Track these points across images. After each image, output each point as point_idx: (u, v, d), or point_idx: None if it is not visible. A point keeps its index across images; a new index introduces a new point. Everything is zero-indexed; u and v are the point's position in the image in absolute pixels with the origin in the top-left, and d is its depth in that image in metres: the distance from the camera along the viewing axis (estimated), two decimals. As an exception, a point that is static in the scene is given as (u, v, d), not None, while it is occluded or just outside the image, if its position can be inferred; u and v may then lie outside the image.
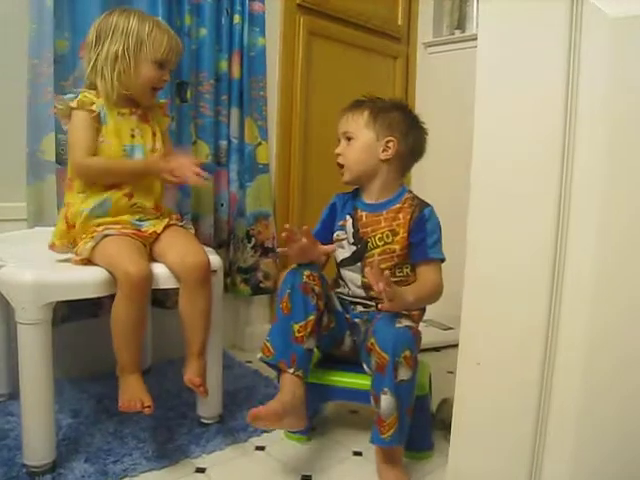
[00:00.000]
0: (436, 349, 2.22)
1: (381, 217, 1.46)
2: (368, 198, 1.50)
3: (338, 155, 1.48)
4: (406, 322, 1.31)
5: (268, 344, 1.36)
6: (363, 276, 1.47)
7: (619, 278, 0.80)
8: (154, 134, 1.50)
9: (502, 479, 0.92)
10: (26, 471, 1.24)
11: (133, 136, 1.45)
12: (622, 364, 0.81)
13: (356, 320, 1.47)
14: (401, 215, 1.45)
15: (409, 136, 1.47)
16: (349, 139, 1.46)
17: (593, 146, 0.79)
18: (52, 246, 1.41)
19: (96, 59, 1.40)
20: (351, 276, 1.49)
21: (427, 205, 1.47)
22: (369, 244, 1.46)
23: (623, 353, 0.81)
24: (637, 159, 0.77)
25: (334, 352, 1.49)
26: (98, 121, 1.40)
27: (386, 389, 1.25)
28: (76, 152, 1.39)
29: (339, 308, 1.48)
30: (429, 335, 2.31)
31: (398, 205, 1.46)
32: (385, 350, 1.25)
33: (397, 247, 1.44)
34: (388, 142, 1.44)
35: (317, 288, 1.36)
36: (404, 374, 1.25)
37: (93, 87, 1.43)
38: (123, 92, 1.41)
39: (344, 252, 1.50)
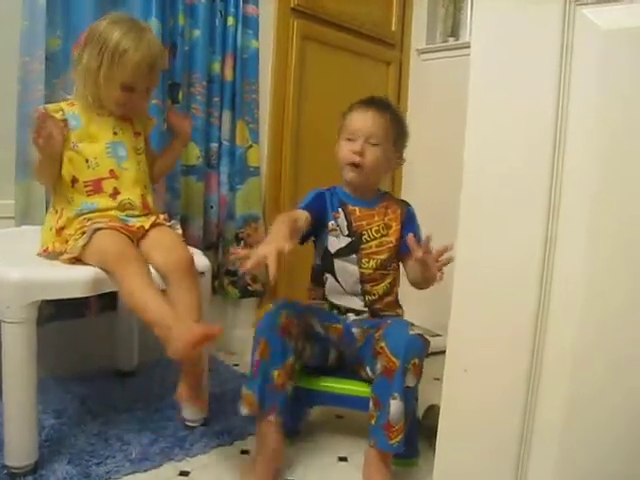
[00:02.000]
0: (423, 355, 2.21)
1: (374, 212, 1.51)
2: (356, 195, 1.52)
3: (357, 153, 1.44)
4: (418, 330, 1.32)
5: (250, 397, 1.32)
6: (360, 267, 1.48)
7: (608, 284, 0.80)
8: (137, 134, 1.51)
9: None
10: (7, 472, 1.23)
11: (116, 133, 1.45)
12: (610, 371, 0.81)
13: (353, 330, 1.47)
14: (390, 210, 1.51)
15: (404, 145, 1.56)
16: (372, 143, 1.45)
17: (583, 152, 0.80)
18: (45, 251, 1.39)
19: (77, 62, 1.41)
20: (347, 267, 1.49)
21: (409, 203, 1.57)
22: (364, 237, 1.49)
23: (611, 359, 0.81)
24: (626, 166, 0.77)
25: (319, 367, 1.49)
26: (64, 127, 1.38)
27: (396, 394, 1.25)
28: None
29: (319, 330, 1.47)
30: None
31: (385, 202, 1.53)
32: (396, 355, 1.26)
33: (392, 239, 1.50)
34: (398, 158, 1.53)
35: (294, 328, 1.35)
36: (410, 380, 1.26)
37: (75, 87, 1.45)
38: (95, 102, 1.42)
39: (339, 242, 1.50)
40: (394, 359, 1.26)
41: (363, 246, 1.48)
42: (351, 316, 1.49)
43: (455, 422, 0.95)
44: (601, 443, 0.83)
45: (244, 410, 1.34)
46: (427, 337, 1.35)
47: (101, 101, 1.42)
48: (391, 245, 1.49)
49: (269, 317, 1.35)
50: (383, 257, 1.48)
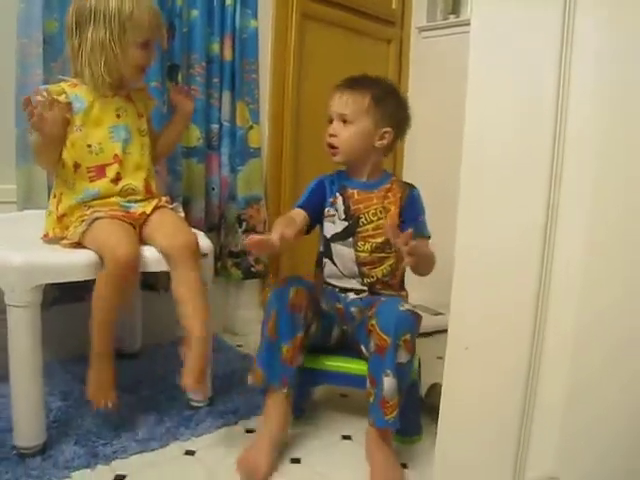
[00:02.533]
0: (426, 334, 2.22)
1: (373, 195, 1.49)
2: (358, 178, 1.51)
3: (331, 136, 1.47)
4: (408, 306, 1.33)
5: (258, 370, 1.36)
6: (356, 250, 1.48)
7: (609, 263, 0.81)
8: (140, 115, 1.50)
9: (488, 462, 0.93)
10: (16, 452, 1.25)
11: (119, 116, 1.44)
12: (611, 353, 0.82)
13: (351, 309, 1.48)
14: (391, 194, 1.48)
15: (401, 125, 1.51)
16: (345, 121, 1.45)
17: (584, 126, 0.80)
18: (46, 236, 1.40)
19: (79, 48, 1.37)
20: (343, 251, 1.49)
21: (414, 186, 1.52)
22: (361, 220, 1.48)
23: (612, 342, 0.81)
24: (627, 139, 0.77)
25: (321, 345, 1.50)
26: (69, 110, 1.37)
27: (388, 371, 1.27)
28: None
29: (325, 307, 1.48)
30: (419, 320, 2.32)
31: (387, 185, 1.50)
32: (387, 332, 1.27)
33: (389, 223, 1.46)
34: (385, 133, 1.46)
35: (304, 303, 1.37)
36: (403, 357, 1.27)
37: (79, 75, 1.41)
38: (113, 77, 1.40)
39: (335, 227, 1.50)
40: (385, 337, 1.27)
41: (359, 229, 1.47)
42: (351, 295, 1.49)
43: (456, 400, 0.96)
44: (603, 425, 0.84)
45: (249, 380, 1.38)
46: (418, 312, 1.37)
47: (119, 74, 1.40)
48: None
49: (279, 292, 1.36)
50: (379, 240, 1.46)
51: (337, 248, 1.50)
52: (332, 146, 1.47)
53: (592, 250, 0.81)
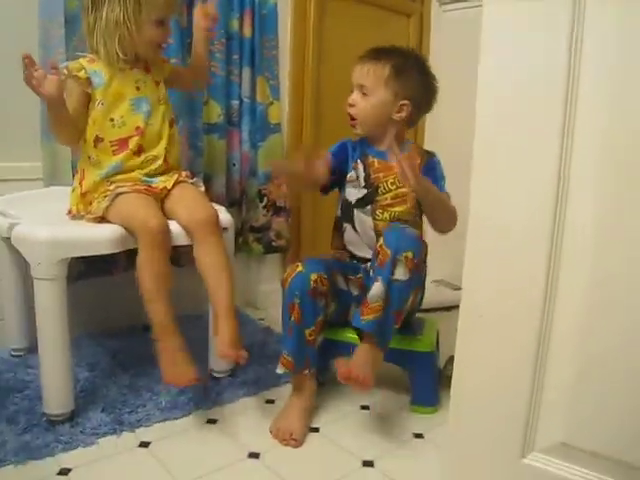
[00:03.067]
0: (446, 309, 2.23)
1: (392, 164, 1.45)
2: (378, 146, 1.52)
3: (350, 106, 1.47)
4: (415, 231, 1.37)
5: (287, 357, 1.38)
6: (374, 218, 1.49)
7: (620, 237, 0.81)
8: (157, 83, 1.51)
9: (500, 430, 0.95)
10: (46, 419, 1.30)
11: (138, 88, 1.45)
12: (621, 329, 0.83)
13: (371, 275, 1.48)
14: (416, 161, 1.45)
15: (423, 99, 1.49)
16: (364, 92, 1.45)
17: (595, 93, 0.80)
18: (70, 212, 1.45)
19: (94, 25, 1.38)
20: (363, 218, 1.51)
21: (434, 154, 1.54)
22: (380, 189, 1.49)
23: (622, 317, 0.82)
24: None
25: (339, 322, 1.52)
26: (89, 85, 1.40)
27: (379, 278, 1.30)
28: None
29: (343, 287, 1.49)
30: (439, 295, 2.33)
31: (407, 153, 1.47)
32: (388, 246, 1.30)
33: (407, 191, 1.47)
34: (403, 105, 1.45)
35: (324, 288, 1.38)
36: (401, 274, 1.29)
37: (95, 51, 1.42)
38: (128, 54, 1.41)
39: (357, 193, 1.52)
40: (386, 250, 1.29)
41: (378, 198, 1.49)
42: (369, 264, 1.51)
43: (468, 369, 0.97)
44: (612, 395, 0.85)
45: (280, 370, 1.40)
46: (424, 240, 1.40)
47: (134, 52, 1.42)
48: (405, 197, 1.48)
49: (300, 279, 1.37)
50: (398, 209, 1.48)
51: (358, 215, 1.52)
52: (351, 117, 1.48)
53: (602, 225, 0.82)
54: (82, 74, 1.39)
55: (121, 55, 1.39)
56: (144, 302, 1.31)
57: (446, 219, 1.44)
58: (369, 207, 1.50)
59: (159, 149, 1.47)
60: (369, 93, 1.45)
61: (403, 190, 1.47)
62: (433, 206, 1.42)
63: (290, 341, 1.38)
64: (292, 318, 1.37)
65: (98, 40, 1.39)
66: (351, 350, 1.34)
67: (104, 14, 1.36)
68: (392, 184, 1.48)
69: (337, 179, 1.53)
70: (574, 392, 0.88)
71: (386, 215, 1.48)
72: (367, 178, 1.51)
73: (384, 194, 1.49)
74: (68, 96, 1.41)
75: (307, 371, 1.40)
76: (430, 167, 1.49)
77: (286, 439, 1.32)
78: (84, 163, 1.45)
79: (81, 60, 1.41)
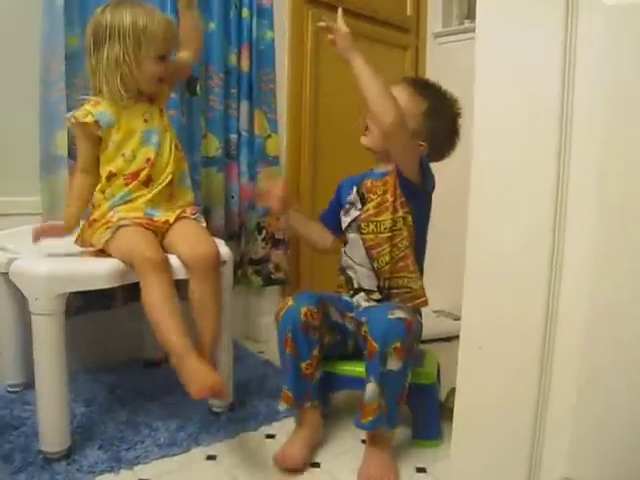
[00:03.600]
0: (446, 339, 2.22)
1: (384, 180, 1.49)
2: (378, 169, 1.53)
3: (370, 118, 1.47)
4: (400, 314, 1.32)
5: (288, 393, 1.39)
6: (361, 233, 1.49)
7: (619, 260, 0.81)
8: (161, 111, 1.51)
9: (503, 463, 0.94)
10: (42, 457, 1.28)
11: (146, 120, 1.45)
12: (619, 353, 0.82)
13: (362, 319, 1.48)
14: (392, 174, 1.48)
15: (439, 149, 1.52)
16: None
17: (590, 123, 0.81)
18: (76, 240, 1.45)
19: (97, 66, 1.40)
20: (352, 237, 1.53)
21: None
22: (367, 200, 1.50)
23: (620, 342, 0.82)
24: (633, 142, 0.78)
25: (337, 354, 1.51)
26: (98, 128, 1.41)
27: (371, 377, 1.29)
28: (76, 168, 1.48)
29: (338, 319, 1.49)
30: (439, 325, 2.32)
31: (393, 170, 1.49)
32: (375, 339, 1.28)
33: (389, 195, 1.46)
34: (420, 145, 1.46)
35: (316, 322, 1.39)
36: (394, 365, 1.28)
37: (99, 91, 1.43)
38: (130, 91, 1.42)
39: (349, 217, 1.54)
40: (374, 343, 1.28)
41: (362, 210, 1.50)
42: (362, 301, 1.51)
43: (471, 400, 0.96)
44: (613, 424, 0.84)
45: (282, 406, 1.41)
46: (412, 318, 1.34)
47: (137, 87, 1.43)
48: (388, 204, 1.45)
49: (291, 314, 1.38)
50: (382, 218, 1.46)
51: (350, 237, 1.53)
52: (367, 126, 1.49)
53: (601, 249, 0.82)
54: (89, 119, 1.40)
55: (123, 92, 1.40)
56: (155, 328, 1.28)
57: (379, 96, 1.35)
58: (354, 224, 1.51)
59: (165, 175, 1.47)
60: None
61: (385, 196, 1.46)
62: (360, 74, 1.38)
63: (288, 375, 1.39)
64: (287, 351, 1.37)
65: (101, 79, 1.40)
66: (350, 383, 1.34)
67: (105, 54, 1.37)
68: (374, 194, 1.49)
69: (339, 225, 1.58)
70: (576, 423, 0.87)
71: (372, 227, 1.47)
72: (362, 199, 1.52)
73: (368, 204, 1.49)
74: (79, 143, 1.45)
75: (309, 404, 1.40)
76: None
77: (286, 466, 1.31)
78: (98, 199, 1.45)
79: (86, 106, 1.42)
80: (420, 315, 1.49)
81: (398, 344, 1.27)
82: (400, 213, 1.46)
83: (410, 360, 1.32)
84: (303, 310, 1.37)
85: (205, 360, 1.30)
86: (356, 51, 1.40)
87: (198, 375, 1.23)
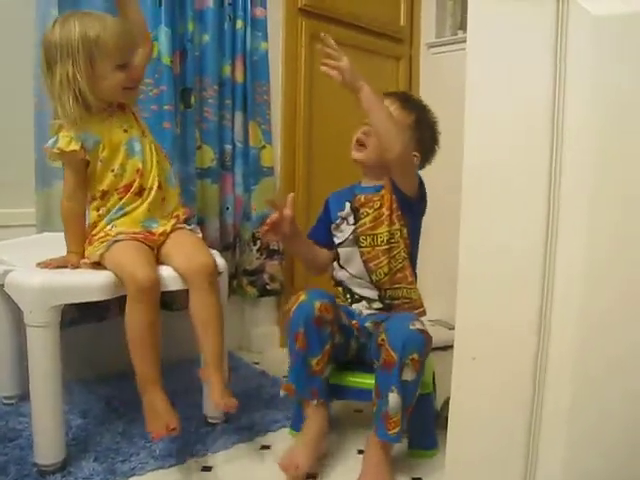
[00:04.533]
0: (442, 348, 2.22)
1: (378, 195, 1.51)
2: (367, 181, 1.55)
3: (365, 134, 1.48)
4: (419, 325, 1.34)
5: (290, 385, 1.40)
6: (359, 246, 1.51)
7: (610, 269, 0.82)
8: (134, 115, 1.47)
9: (498, 472, 0.94)
10: (37, 470, 1.27)
11: (126, 130, 1.42)
12: (612, 364, 0.83)
13: (366, 324, 1.50)
14: (390, 182, 1.49)
15: (426, 155, 1.56)
16: None
17: (581, 132, 0.82)
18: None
19: (52, 88, 1.33)
20: (348, 251, 1.53)
21: None
22: (363, 214, 1.51)
23: (613, 354, 0.82)
24: (624, 149, 0.79)
25: (340, 358, 1.51)
26: (86, 153, 1.38)
27: (394, 387, 1.28)
28: (63, 195, 1.44)
29: (345, 321, 1.50)
30: (435, 335, 2.31)
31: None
32: (395, 349, 1.28)
33: (384, 209, 1.48)
34: (414, 155, 1.50)
35: (330, 316, 1.39)
36: (409, 375, 1.29)
37: (58, 115, 1.37)
38: (86, 107, 1.35)
39: (343, 234, 1.54)
40: (392, 353, 1.28)
41: (359, 224, 1.51)
42: (364, 309, 1.52)
43: (465, 410, 0.96)
44: (607, 431, 0.85)
45: (282, 392, 1.43)
46: (428, 333, 1.36)
47: (102, 100, 1.37)
48: (384, 217, 1.48)
49: (303, 308, 1.37)
50: (379, 232, 1.48)
51: (344, 251, 1.54)
52: (361, 143, 1.50)
53: (593, 258, 0.82)
54: (74, 146, 1.35)
55: (76, 111, 1.32)
56: (130, 350, 1.31)
57: (386, 126, 1.36)
58: (352, 237, 1.52)
59: (152, 180, 1.45)
60: None
61: (380, 210, 1.48)
62: (370, 107, 1.36)
63: (294, 371, 1.39)
64: (297, 347, 1.37)
65: (55, 101, 1.34)
66: (356, 395, 1.39)
67: (57, 75, 1.30)
68: (370, 208, 1.50)
69: (330, 241, 1.59)
70: (569, 431, 0.87)
71: (369, 240, 1.49)
72: (355, 214, 1.53)
73: (364, 218, 1.50)
74: (67, 169, 1.41)
75: (316, 401, 1.40)
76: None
77: (291, 472, 1.30)
78: (94, 217, 1.44)
79: (65, 133, 1.36)
80: None
81: (416, 355, 1.28)
82: (396, 226, 1.48)
83: (422, 372, 1.33)
84: (317, 304, 1.36)
85: (212, 373, 1.35)
86: (363, 81, 1.37)
87: (157, 412, 1.29)
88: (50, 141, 1.37)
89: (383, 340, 1.31)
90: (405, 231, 1.49)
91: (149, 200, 1.44)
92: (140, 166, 1.43)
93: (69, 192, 1.42)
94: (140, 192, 1.43)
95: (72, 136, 1.36)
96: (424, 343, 1.32)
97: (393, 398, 1.29)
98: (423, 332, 1.33)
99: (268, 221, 1.44)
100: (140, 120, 1.49)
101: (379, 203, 1.49)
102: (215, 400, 1.33)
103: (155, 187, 1.45)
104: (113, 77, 1.34)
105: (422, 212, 1.53)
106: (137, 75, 1.43)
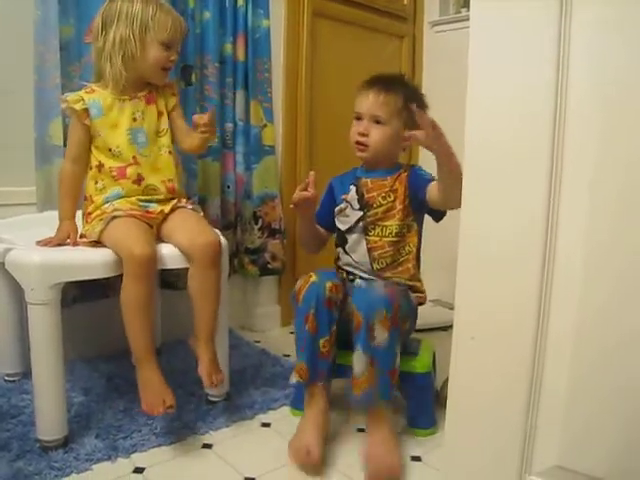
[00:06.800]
0: (443, 329, 2.23)
1: (386, 181, 1.50)
2: (373, 170, 1.53)
3: (362, 135, 1.47)
4: (383, 286, 1.35)
5: (304, 366, 1.38)
6: (367, 235, 1.50)
7: (610, 253, 0.82)
8: (160, 114, 1.51)
9: (496, 452, 0.94)
10: (39, 445, 1.29)
11: (135, 119, 1.46)
12: (613, 342, 0.83)
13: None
14: (401, 177, 1.50)
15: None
16: (378, 122, 1.46)
17: (583, 115, 0.81)
18: (82, 236, 1.45)
19: (103, 46, 1.42)
20: (355, 238, 1.53)
21: (414, 164, 1.58)
22: (374, 204, 1.50)
23: (611, 337, 0.82)
24: (625, 134, 0.78)
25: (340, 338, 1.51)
26: (87, 117, 1.42)
27: (358, 346, 1.29)
28: (65, 156, 1.49)
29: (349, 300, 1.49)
30: (436, 315, 2.33)
31: (399, 171, 1.51)
32: (359, 310, 1.30)
33: (397, 203, 1.48)
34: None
35: (339, 296, 1.39)
36: (380, 337, 1.29)
37: (101, 76, 1.45)
38: (132, 75, 1.43)
39: (349, 220, 1.53)
40: (358, 315, 1.30)
41: (369, 213, 1.50)
42: (363, 283, 1.51)
43: (464, 390, 0.97)
44: (605, 413, 0.85)
45: (294, 379, 1.40)
46: (399, 289, 1.39)
47: (137, 72, 1.44)
48: (395, 211, 1.48)
49: (314, 289, 1.37)
50: (389, 224, 1.48)
51: (351, 238, 1.53)
52: (361, 144, 1.48)
53: (593, 241, 0.82)
54: (79, 106, 1.41)
55: (124, 73, 1.41)
56: (125, 325, 1.33)
57: (458, 178, 1.34)
58: (361, 224, 1.51)
59: (157, 180, 1.48)
60: (385, 123, 1.46)
61: (394, 204, 1.48)
62: (451, 170, 1.27)
63: (307, 350, 1.37)
64: (307, 328, 1.36)
65: (105, 59, 1.42)
66: (346, 372, 1.35)
67: (111, 35, 1.40)
68: (383, 198, 1.49)
69: (332, 224, 1.59)
70: (567, 413, 0.87)
71: (378, 230, 1.49)
72: (361, 199, 1.52)
73: (375, 209, 1.49)
74: (71, 128, 1.46)
75: (320, 383, 1.39)
76: (414, 175, 1.49)
77: (303, 458, 1.29)
78: (91, 189, 1.47)
79: (80, 92, 1.44)
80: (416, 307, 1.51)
81: (382, 312, 1.28)
82: (407, 221, 1.49)
83: (397, 332, 1.32)
84: (328, 285, 1.36)
85: (203, 347, 1.38)
86: (448, 143, 1.28)
87: (153, 389, 1.32)
88: (66, 94, 1.46)
89: (352, 308, 1.32)
90: (415, 226, 1.50)
91: (152, 196, 1.48)
92: (136, 155, 1.46)
93: (73, 152, 1.46)
94: (139, 180, 1.46)
95: (83, 97, 1.42)
96: (389, 299, 1.30)
97: (356, 356, 1.29)
98: (386, 291, 1.32)
99: (300, 197, 1.44)
100: (164, 121, 1.52)
101: (393, 196, 1.48)
102: (202, 374, 1.37)
103: (161, 188, 1.49)
104: (157, 51, 1.43)
105: (429, 208, 1.51)
106: (174, 62, 1.50)
